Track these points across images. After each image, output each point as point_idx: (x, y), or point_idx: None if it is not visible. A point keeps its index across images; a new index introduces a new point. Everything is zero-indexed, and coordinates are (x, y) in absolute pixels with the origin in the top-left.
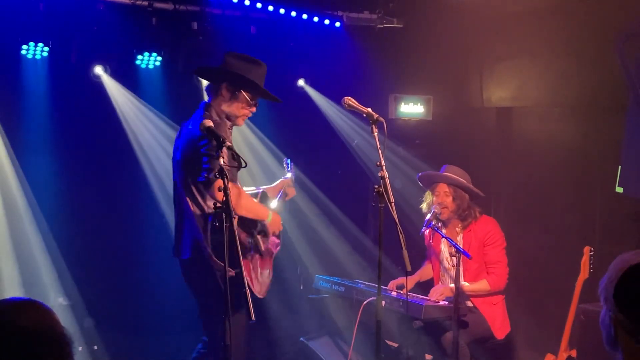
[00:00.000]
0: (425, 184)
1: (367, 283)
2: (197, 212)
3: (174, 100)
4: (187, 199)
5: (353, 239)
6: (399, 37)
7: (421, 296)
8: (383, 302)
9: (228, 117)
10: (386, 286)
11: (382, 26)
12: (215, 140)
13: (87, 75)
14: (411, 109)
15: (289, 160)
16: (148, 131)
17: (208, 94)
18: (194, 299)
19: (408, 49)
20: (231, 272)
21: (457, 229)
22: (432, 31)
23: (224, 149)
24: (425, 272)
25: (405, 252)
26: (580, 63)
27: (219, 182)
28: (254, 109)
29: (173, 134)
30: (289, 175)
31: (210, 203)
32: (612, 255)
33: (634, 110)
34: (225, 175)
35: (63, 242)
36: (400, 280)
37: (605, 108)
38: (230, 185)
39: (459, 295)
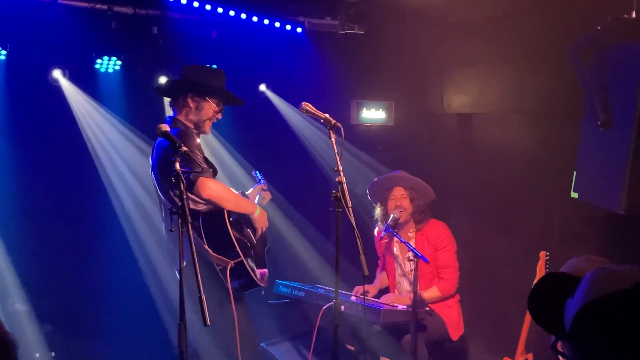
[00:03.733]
0: (378, 190)
1: (327, 288)
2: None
3: (134, 104)
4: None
5: (314, 243)
6: (361, 43)
7: (380, 301)
8: (343, 307)
9: (196, 126)
10: (347, 290)
11: (343, 32)
12: (171, 145)
13: (45, 79)
14: (373, 114)
15: (257, 172)
16: (107, 136)
17: (172, 109)
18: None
19: (369, 55)
20: (230, 263)
21: (409, 233)
22: (393, 38)
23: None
24: (383, 280)
25: (362, 257)
26: (539, 70)
27: (201, 180)
28: (219, 115)
29: (133, 139)
30: (262, 181)
31: (195, 207)
32: (568, 259)
33: (588, 118)
34: (181, 179)
35: (19, 246)
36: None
37: (563, 114)
38: (212, 181)
39: (417, 299)
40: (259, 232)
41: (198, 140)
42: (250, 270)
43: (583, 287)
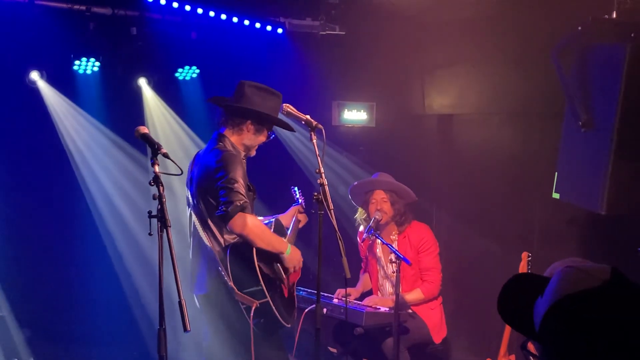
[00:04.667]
0: (359, 193)
1: (308, 290)
2: (215, 246)
3: (113, 106)
4: (205, 233)
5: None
6: (342, 44)
7: (362, 303)
8: (324, 310)
9: (246, 149)
10: (330, 292)
11: (324, 33)
12: (150, 147)
13: (22, 80)
14: (354, 115)
15: (296, 188)
16: (85, 138)
17: (223, 125)
18: (215, 330)
19: (350, 56)
20: (255, 303)
21: (392, 236)
22: (374, 38)
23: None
24: (366, 283)
25: (344, 260)
26: (519, 71)
27: (239, 216)
28: (267, 139)
29: (111, 140)
30: (300, 201)
31: (228, 236)
32: (550, 260)
33: (570, 118)
34: (161, 183)
35: None
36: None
37: (543, 115)
38: (250, 217)
39: (399, 301)
40: (291, 271)
41: (244, 162)
42: (275, 310)
43: (552, 286)
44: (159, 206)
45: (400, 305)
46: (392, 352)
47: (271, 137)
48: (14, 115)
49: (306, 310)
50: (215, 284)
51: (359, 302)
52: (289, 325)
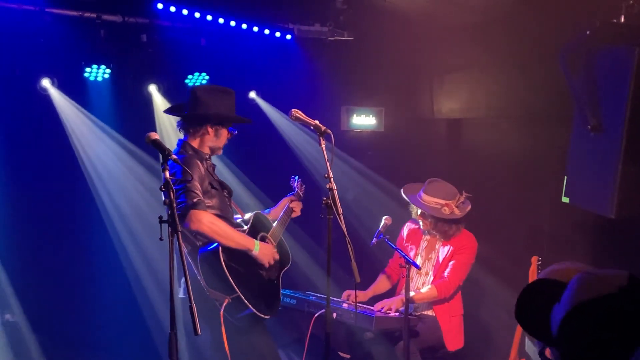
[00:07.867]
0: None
1: (318, 295)
2: (188, 247)
3: (124, 113)
4: (176, 235)
5: (305, 250)
6: (350, 50)
7: (372, 307)
8: (334, 314)
9: (212, 150)
10: (340, 297)
11: (332, 39)
12: (161, 153)
13: (34, 88)
14: (363, 120)
15: (296, 177)
16: (97, 145)
17: (185, 133)
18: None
19: (359, 62)
20: (227, 298)
21: (438, 237)
22: (382, 43)
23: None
24: (380, 285)
25: (354, 264)
26: (528, 75)
27: (192, 213)
28: (230, 136)
29: (122, 147)
30: (297, 189)
31: (199, 236)
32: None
33: (579, 122)
34: (171, 188)
35: (7, 256)
36: (353, 293)
37: (552, 119)
38: (205, 214)
39: (409, 305)
40: (266, 266)
41: (203, 167)
42: (249, 304)
43: (569, 292)
44: (169, 211)
45: (409, 309)
46: (403, 355)
47: (234, 133)
48: (26, 122)
49: (316, 315)
50: (192, 284)
51: (369, 306)
52: (268, 317)
